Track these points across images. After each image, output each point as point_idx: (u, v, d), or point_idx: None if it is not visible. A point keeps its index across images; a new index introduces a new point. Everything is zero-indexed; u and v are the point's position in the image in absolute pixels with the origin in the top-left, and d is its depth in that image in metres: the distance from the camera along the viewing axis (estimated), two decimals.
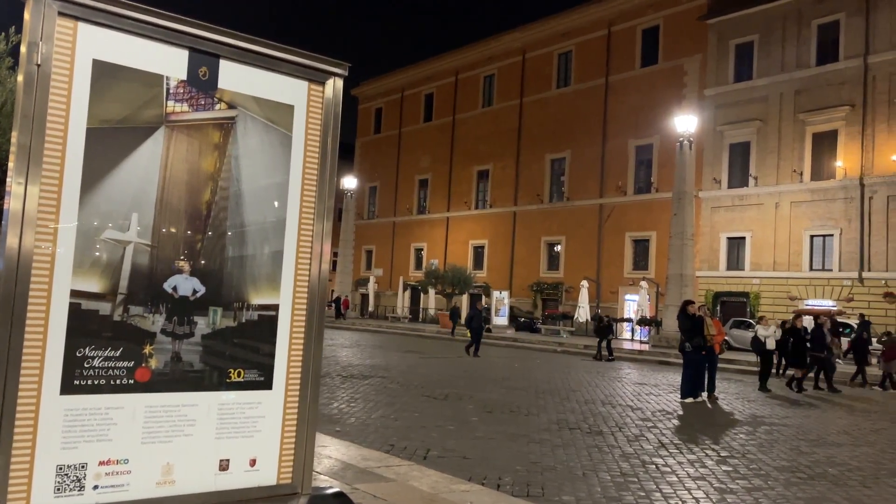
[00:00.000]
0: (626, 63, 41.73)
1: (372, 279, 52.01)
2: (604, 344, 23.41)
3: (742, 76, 35.92)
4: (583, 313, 36.09)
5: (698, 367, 13.32)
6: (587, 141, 42.72)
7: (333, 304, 42.37)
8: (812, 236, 32.73)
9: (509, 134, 47.91)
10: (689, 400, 12.98)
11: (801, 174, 33.13)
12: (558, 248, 44.37)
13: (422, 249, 53.93)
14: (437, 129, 53.97)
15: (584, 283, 36.60)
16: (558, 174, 45.30)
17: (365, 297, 53.94)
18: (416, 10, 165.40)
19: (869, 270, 30.72)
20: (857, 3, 32.04)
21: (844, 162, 31.74)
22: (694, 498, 6.38)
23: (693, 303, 14.14)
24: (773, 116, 34.39)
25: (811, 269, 32.68)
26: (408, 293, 49.03)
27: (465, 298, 44.04)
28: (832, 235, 32.04)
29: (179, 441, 2.92)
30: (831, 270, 31.94)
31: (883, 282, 30.23)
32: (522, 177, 46.80)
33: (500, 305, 41.19)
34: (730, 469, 7.60)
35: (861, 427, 11.23)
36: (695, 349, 13.21)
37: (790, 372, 16.81)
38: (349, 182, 49.06)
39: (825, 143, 32.66)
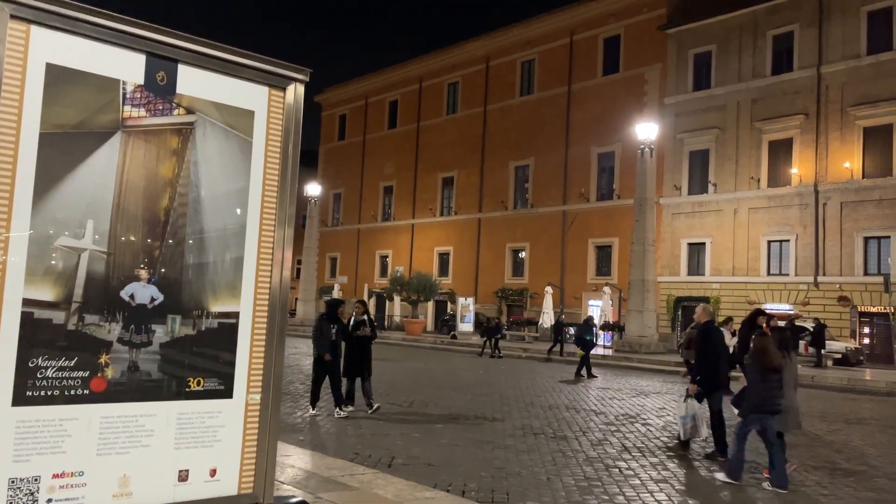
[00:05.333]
0: (588, 71, 42.25)
1: (336, 287, 51.65)
2: (491, 343, 26.06)
3: (701, 85, 36.64)
4: (547, 319, 36.32)
5: None
6: (550, 148, 43.13)
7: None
8: (769, 242, 33.46)
9: (474, 141, 48.12)
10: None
11: (759, 181, 33.88)
12: (523, 254, 44.63)
13: (387, 256, 53.78)
14: (401, 135, 53.96)
15: (549, 288, 36.87)
16: (522, 181, 45.62)
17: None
18: (378, 18, 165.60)
19: (824, 275, 31.50)
20: (810, 14, 32.95)
21: (799, 169, 32.55)
22: (656, 500, 6.46)
23: (764, 313, 12.02)
24: (730, 124, 35.13)
25: (769, 273, 33.39)
26: (373, 300, 48.80)
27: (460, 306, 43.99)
28: (788, 241, 32.80)
29: (137, 452, 2.86)
30: (788, 275, 32.67)
31: (837, 286, 31.02)
32: (487, 184, 47.02)
33: (466, 312, 41.30)
34: (692, 471, 7.71)
35: (817, 429, 11.49)
36: None
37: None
38: (313, 189, 48.71)
39: (781, 151, 33.46)
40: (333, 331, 10.55)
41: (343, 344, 10.83)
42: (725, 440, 8.38)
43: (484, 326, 28.19)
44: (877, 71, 30.70)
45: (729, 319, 18.49)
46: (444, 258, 49.58)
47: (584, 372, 19.34)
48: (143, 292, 2.91)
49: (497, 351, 26.37)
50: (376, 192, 55.46)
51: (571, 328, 29.54)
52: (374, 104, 56.76)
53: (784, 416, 7.47)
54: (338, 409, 10.40)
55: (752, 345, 7.54)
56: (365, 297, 48.06)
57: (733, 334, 16.87)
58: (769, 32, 34.29)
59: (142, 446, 2.87)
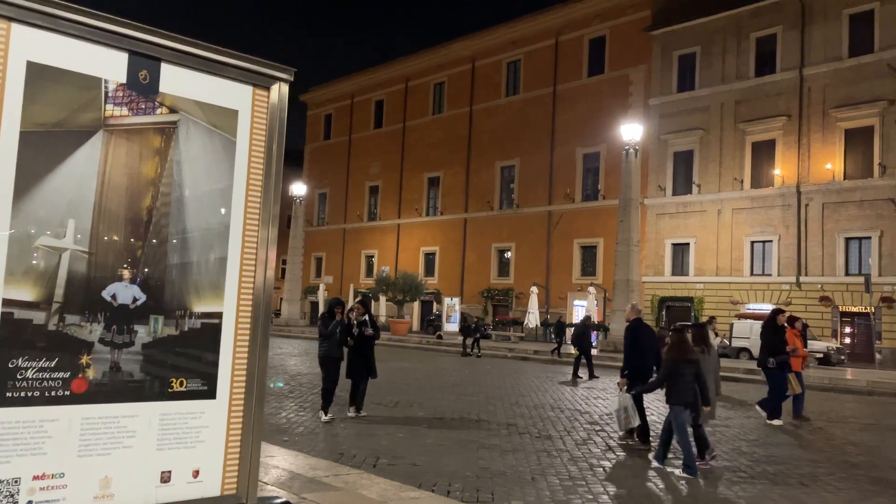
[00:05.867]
0: (573, 72, 42.41)
1: (322, 287, 51.48)
2: (470, 342, 26.51)
3: (685, 86, 36.89)
4: (532, 319, 36.43)
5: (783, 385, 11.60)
6: (536, 149, 43.25)
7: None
8: (752, 242, 33.75)
9: (459, 141, 48.16)
10: (777, 422, 11.39)
11: (742, 182, 34.16)
12: (508, 254, 44.72)
13: (372, 256, 53.70)
14: (387, 135, 53.90)
15: (534, 288, 36.98)
16: (508, 181, 45.71)
17: (315, 304, 53.39)
18: (364, 17, 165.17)
19: (806, 275, 31.82)
20: (792, 17, 33.27)
21: (782, 170, 32.86)
22: (640, 499, 6.49)
23: (784, 311, 12.07)
24: (714, 126, 35.40)
25: (752, 273, 33.68)
26: (358, 300, 48.70)
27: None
28: (771, 241, 33.10)
29: (118, 453, 2.84)
30: (771, 275, 32.97)
31: (819, 286, 31.34)
32: (473, 184, 47.07)
33: (452, 312, 41.34)
34: (674, 470, 7.76)
35: (798, 427, 11.59)
36: (780, 366, 11.44)
37: None
38: (298, 188, 48.52)
39: (764, 152, 33.77)
40: (337, 331, 10.30)
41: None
42: (648, 429, 9.11)
43: (462, 326, 28.57)
44: (858, 73, 31.05)
45: (711, 319, 18.65)
46: (429, 258, 49.58)
47: (581, 373, 18.64)
48: (125, 292, 2.88)
49: (477, 350, 26.69)
50: (362, 191, 55.37)
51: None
52: (359, 104, 56.66)
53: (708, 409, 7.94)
54: (350, 410, 10.43)
55: (668, 340, 8.10)
56: (350, 298, 47.98)
57: (716, 334, 17.04)
58: (752, 34, 34.59)
59: (123, 447, 2.85)
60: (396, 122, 53.30)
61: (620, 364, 21.28)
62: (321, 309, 51.72)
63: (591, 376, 18.65)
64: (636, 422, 8.97)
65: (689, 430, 7.62)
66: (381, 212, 53.82)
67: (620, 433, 9.36)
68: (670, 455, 8.01)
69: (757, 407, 12.20)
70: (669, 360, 7.75)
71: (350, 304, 12.62)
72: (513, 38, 45.76)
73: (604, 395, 15.16)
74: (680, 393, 7.57)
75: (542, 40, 44.03)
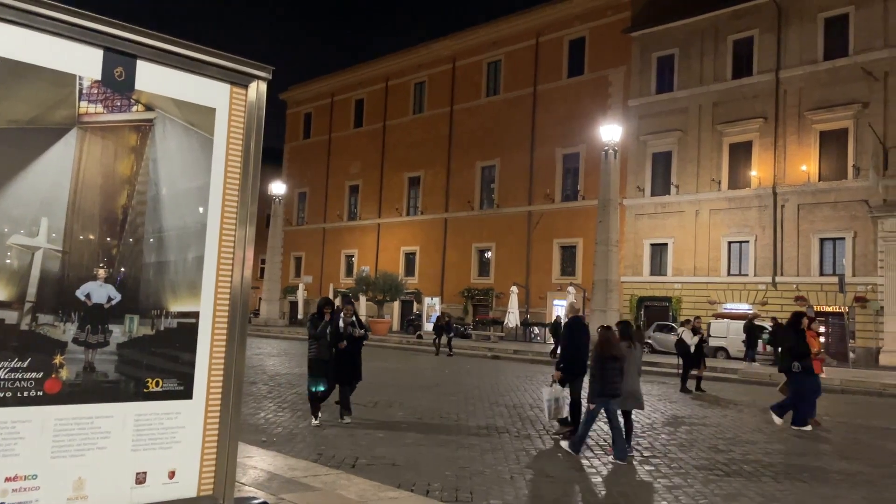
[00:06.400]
0: (553, 73, 42.59)
1: (301, 287, 51.25)
2: (444, 341, 26.85)
3: (664, 88, 37.19)
4: (512, 319, 36.53)
5: (809, 389, 11.42)
6: (516, 149, 43.37)
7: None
8: (730, 242, 34.11)
9: (440, 141, 48.17)
10: (808, 428, 11.07)
11: (719, 183, 34.51)
12: (489, 254, 44.81)
13: (353, 256, 53.54)
14: (367, 135, 53.76)
15: (514, 288, 37.08)
16: (488, 181, 45.80)
17: (294, 304, 53.13)
18: (344, 16, 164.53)
19: (781, 275, 32.22)
20: (769, 20, 33.67)
21: (759, 171, 33.24)
22: (618, 496, 6.54)
23: (805, 315, 11.98)
24: (692, 127, 35.72)
25: (729, 274, 34.03)
26: (338, 300, 48.51)
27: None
28: (748, 242, 33.47)
29: (92, 454, 2.80)
30: (747, 275, 33.34)
31: (794, 286, 31.75)
32: (453, 184, 47.10)
33: (432, 312, 41.32)
34: (652, 468, 7.83)
35: (773, 424, 11.73)
36: (804, 370, 11.22)
37: (693, 372, 16.88)
38: (277, 188, 48.24)
39: (741, 154, 34.14)
40: (327, 331, 9.92)
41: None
42: (580, 419, 9.27)
43: (436, 325, 28.89)
44: (833, 76, 31.50)
45: (690, 320, 18.72)
46: (410, 258, 49.54)
47: None
48: (99, 292, 2.85)
49: (449, 349, 26.84)
50: (342, 191, 55.18)
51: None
52: (339, 103, 56.45)
53: (627, 398, 8.65)
54: (342, 416, 10.06)
55: (597, 336, 8.64)
56: (330, 297, 47.80)
57: (694, 332, 17.14)
58: (730, 37, 34.95)
59: (98, 448, 2.82)
60: (377, 121, 53.19)
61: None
62: (301, 309, 51.59)
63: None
64: (565, 412, 9.60)
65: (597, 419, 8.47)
66: (361, 211, 53.68)
67: (551, 422, 9.89)
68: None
69: (772, 413, 11.70)
70: (598, 356, 8.32)
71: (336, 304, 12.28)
72: (493, 39, 45.85)
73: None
74: (606, 385, 8.18)
75: (523, 41, 44.17)
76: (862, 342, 29.48)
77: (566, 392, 9.73)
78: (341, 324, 10.10)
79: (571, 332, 9.81)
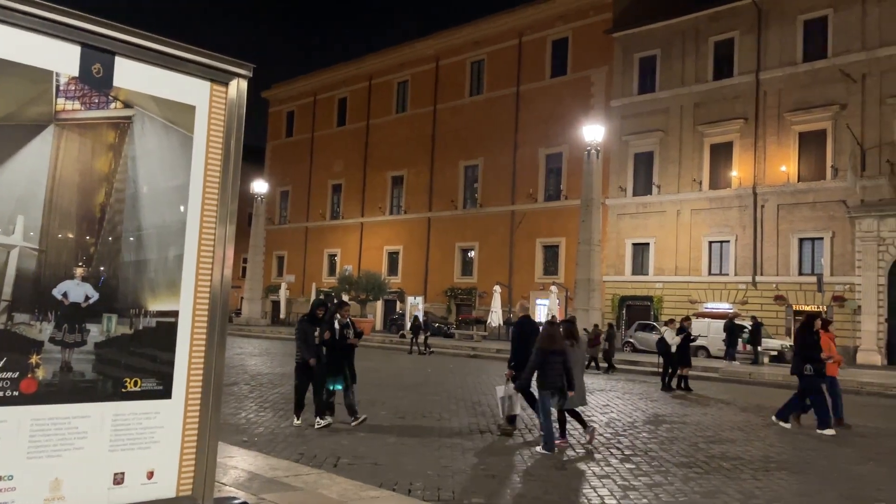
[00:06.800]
0: (536, 73, 42.71)
1: (283, 286, 51.00)
2: (421, 339, 27.25)
3: (646, 88, 37.42)
4: (495, 318, 36.60)
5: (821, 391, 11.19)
6: (499, 149, 43.44)
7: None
8: (710, 242, 34.39)
9: (423, 140, 48.14)
10: (830, 432, 10.71)
11: (700, 183, 34.79)
12: (472, 253, 44.86)
13: (335, 255, 53.37)
14: (350, 133, 53.61)
15: (497, 288, 37.15)
16: (472, 181, 45.86)
17: (276, 304, 52.87)
18: (327, 14, 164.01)
19: (761, 275, 32.54)
20: (749, 22, 33.99)
21: (739, 172, 33.55)
22: (599, 496, 6.57)
23: (820, 317, 11.86)
24: (674, 127, 35.98)
25: (710, 273, 34.31)
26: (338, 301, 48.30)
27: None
28: (728, 242, 33.77)
29: (69, 455, 2.78)
30: (728, 275, 33.64)
31: (774, 285, 32.08)
32: (436, 183, 47.10)
33: (415, 311, 41.26)
34: (633, 466, 7.88)
35: (752, 423, 11.86)
36: (817, 374, 11.06)
37: (679, 371, 16.87)
38: (259, 186, 47.98)
39: (722, 154, 34.43)
40: (317, 333, 9.61)
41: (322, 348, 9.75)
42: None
43: (413, 324, 29.21)
44: (812, 78, 31.86)
45: (674, 319, 18.53)
46: (393, 257, 49.47)
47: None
48: (76, 290, 2.82)
49: (426, 347, 27.15)
50: (324, 190, 54.99)
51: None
52: (322, 101, 56.25)
53: (573, 396, 8.92)
54: (318, 419, 9.47)
55: (541, 334, 9.02)
56: (313, 297, 47.56)
57: (681, 331, 17.15)
58: (711, 38, 35.24)
59: (74, 449, 2.79)
60: (360, 120, 53.05)
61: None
62: (283, 308, 51.36)
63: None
64: (517, 409, 9.80)
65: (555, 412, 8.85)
66: (344, 210, 53.53)
67: (502, 418, 9.99)
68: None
69: (774, 418, 11.57)
70: (539, 350, 8.66)
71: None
72: (476, 38, 45.90)
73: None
74: (548, 379, 8.56)
75: (506, 41, 44.25)
76: (840, 341, 29.71)
77: (507, 388, 10.00)
78: (337, 325, 9.86)
79: (522, 331, 9.98)
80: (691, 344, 17.61)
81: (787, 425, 11.14)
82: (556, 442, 8.64)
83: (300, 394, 9.78)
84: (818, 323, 11.33)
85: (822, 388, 11.08)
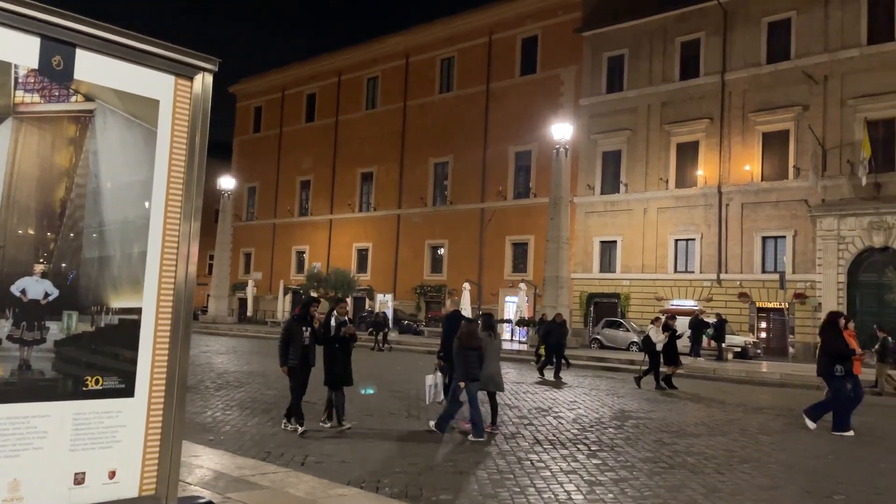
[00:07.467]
0: (506, 71, 42.84)
1: (251, 283, 50.49)
2: (380, 337, 27.76)
3: (614, 87, 37.76)
4: (465, 315, 36.61)
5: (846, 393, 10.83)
6: (469, 146, 43.50)
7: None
8: (676, 240, 34.86)
9: (393, 137, 47.99)
10: (850, 433, 10.47)
11: (667, 182, 35.23)
12: (441, 251, 44.87)
13: (304, 252, 52.98)
14: (319, 129, 53.21)
15: (466, 285, 37.19)
16: (441, 178, 45.85)
17: (243, 301, 52.33)
18: (295, 9, 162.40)
19: (726, 272, 33.08)
20: (715, 23, 34.48)
21: (704, 171, 34.04)
22: (566, 491, 6.64)
23: (842, 314, 11.43)
24: (641, 127, 36.37)
25: (676, 271, 34.78)
26: (289, 297, 47.95)
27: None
28: (694, 240, 34.26)
29: (28, 455, 2.72)
30: (693, 272, 34.13)
31: (738, 283, 32.64)
32: (406, 180, 47.00)
33: (384, 308, 41.16)
34: (599, 462, 7.96)
35: (716, 418, 12.06)
36: (847, 374, 10.68)
37: (662, 369, 16.89)
38: (226, 182, 47.40)
39: (688, 153, 34.90)
40: (306, 334, 9.03)
41: (314, 349, 9.22)
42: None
43: (374, 321, 29.54)
44: (775, 79, 32.44)
45: (660, 317, 18.42)
46: (362, 254, 49.27)
47: (560, 373, 18.35)
48: (35, 287, 2.77)
49: (386, 344, 27.61)
50: (293, 186, 54.54)
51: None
52: (290, 97, 55.75)
53: (488, 380, 9.76)
54: (286, 422, 9.09)
55: (460, 331, 9.63)
56: (280, 294, 47.22)
57: (665, 329, 17.18)
58: (678, 39, 35.68)
59: (34, 448, 2.74)
60: (329, 116, 52.69)
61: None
62: (250, 306, 50.88)
63: (556, 375, 18.17)
64: (442, 397, 10.41)
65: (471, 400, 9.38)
66: (312, 207, 53.14)
67: (427, 403, 10.84)
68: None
69: (805, 417, 11.06)
70: (459, 345, 9.41)
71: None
72: (446, 35, 45.87)
73: (532, 389, 15.41)
74: (468, 371, 9.25)
75: (476, 38, 44.29)
76: (801, 337, 30.50)
77: (446, 379, 10.65)
78: (333, 323, 9.40)
79: (451, 324, 10.54)
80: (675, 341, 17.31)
81: (850, 433, 10.47)
82: (486, 428, 9.37)
83: (297, 399, 9.07)
84: (842, 321, 10.97)
85: (847, 389, 10.70)
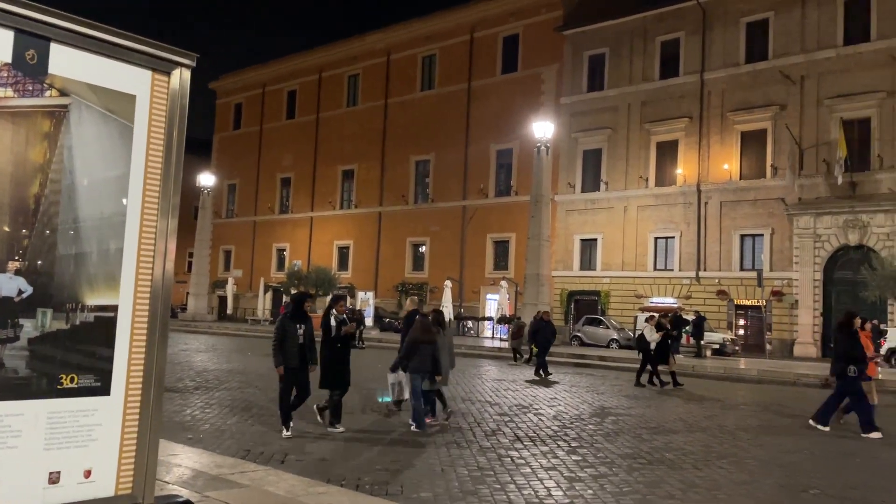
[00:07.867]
0: (487, 69, 42.88)
1: (231, 281, 50.12)
2: (357, 333, 27.74)
3: (595, 86, 37.94)
4: (446, 313, 36.60)
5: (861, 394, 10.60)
6: (451, 144, 43.50)
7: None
8: (656, 238, 35.13)
9: (374, 134, 47.85)
10: (877, 435, 10.09)
11: (647, 180, 35.48)
12: (423, 248, 44.84)
13: (284, 250, 52.69)
14: (300, 126, 52.93)
15: (448, 283, 37.22)
16: (423, 176, 45.81)
17: (223, 299, 51.95)
18: (276, 5, 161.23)
19: (705, 270, 33.40)
20: (694, 23, 34.76)
21: (684, 170, 34.33)
22: (546, 487, 6.67)
23: (858, 315, 11.03)
24: (622, 125, 36.59)
25: (655, 268, 35.06)
26: (269, 295, 47.70)
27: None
28: (673, 238, 34.55)
29: (1, 454, 2.68)
30: (672, 270, 34.42)
31: (716, 280, 32.97)
32: (388, 178, 46.91)
33: (365, 306, 41.09)
34: (579, 458, 8.01)
35: (695, 414, 12.18)
36: (860, 375, 10.52)
37: (659, 367, 16.94)
38: (206, 179, 47.01)
39: (668, 152, 35.18)
40: (301, 332, 8.55)
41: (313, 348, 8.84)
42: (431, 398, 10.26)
43: (349, 318, 29.34)
44: (753, 79, 32.78)
45: (654, 316, 18.52)
46: (343, 252, 49.11)
47: (543, 371, 18.19)
48: (9, 284, 2.73)
49: (360, 342, 27.50)
50: (273, 183, 54.22)
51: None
52: (271, 93, 55.39)
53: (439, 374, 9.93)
54: (284, 429, 8.60)
55: (414, 325, 10.04)
56: (261, 292, 46.93)
57: (658, 329, 17.28)
58: (658, 38, 35.93)
59: (7, 448, 2.70)
60: (310, 113, 52.43)
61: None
62: (230, 303, 50.50)
63: (545, 373, 18.11)
64: (406, 394, 10.55)
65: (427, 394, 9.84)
66: (293, 204, 52.86)
67: (391, 400, 11.14)
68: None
69: (812, 422, 10.81)
70: (411, 339, 9.73)
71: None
72: (428, 33, 45.81)
73: (513, 386, 15.46)
74: (419, 364, 9.53)
75: (457, 36, 44.29)
76: (778, 334, 30.88)
77: (408, 377, 10.77)
78: (333, 322, 9.11)
79: (410, 324, 10.87)
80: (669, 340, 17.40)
81: (827, 429, 10.49)
82: (427, 420, 9.66)
83: (285, 403, 8.69)
84: (857, 322, 10.71)
85: (863, 390, 10.52)
